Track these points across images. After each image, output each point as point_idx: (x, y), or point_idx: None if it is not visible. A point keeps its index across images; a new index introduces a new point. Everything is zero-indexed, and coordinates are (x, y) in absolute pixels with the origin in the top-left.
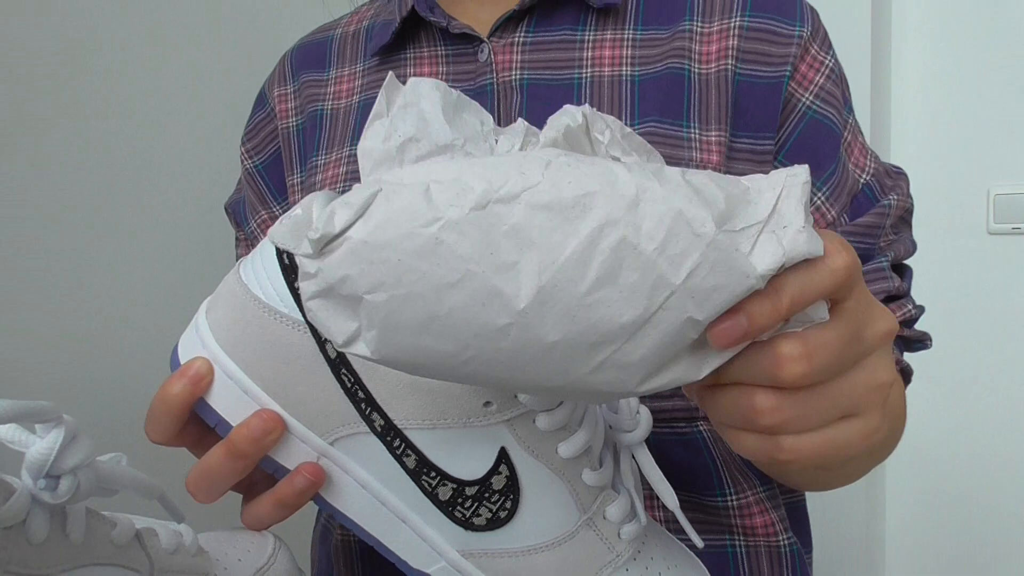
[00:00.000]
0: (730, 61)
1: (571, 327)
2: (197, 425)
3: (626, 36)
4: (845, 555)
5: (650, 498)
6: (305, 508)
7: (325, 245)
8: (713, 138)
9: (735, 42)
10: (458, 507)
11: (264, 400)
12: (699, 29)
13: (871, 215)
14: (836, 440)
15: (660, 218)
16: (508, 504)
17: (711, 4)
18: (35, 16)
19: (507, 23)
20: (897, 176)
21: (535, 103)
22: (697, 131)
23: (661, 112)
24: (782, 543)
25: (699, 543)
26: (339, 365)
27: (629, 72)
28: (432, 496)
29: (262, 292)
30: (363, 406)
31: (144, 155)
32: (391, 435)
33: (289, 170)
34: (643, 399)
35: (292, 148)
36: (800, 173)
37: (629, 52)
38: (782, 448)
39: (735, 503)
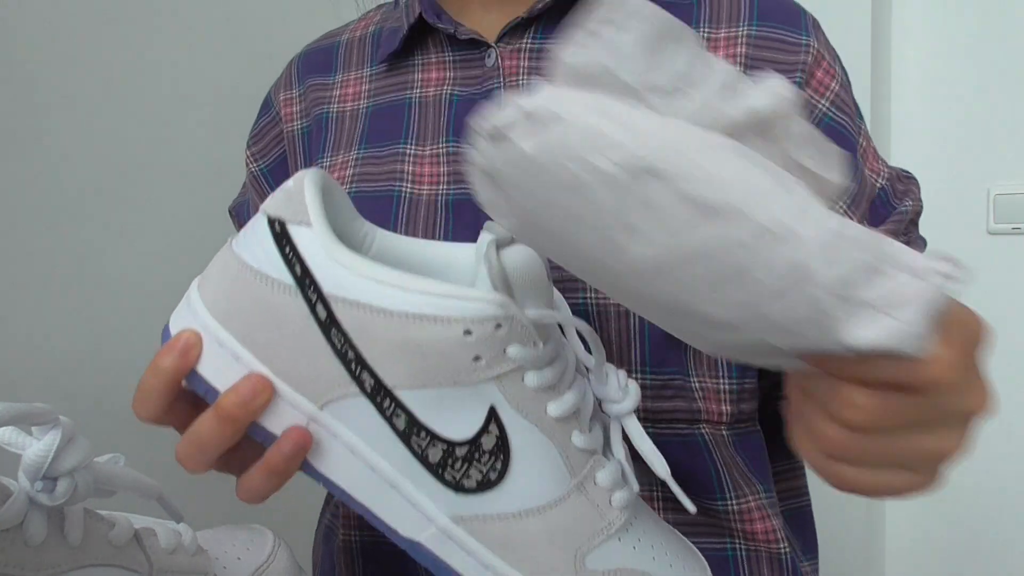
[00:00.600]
0: (739, 68)
1: (670, 298)
2: (187, 404)
3: None
4: (845, 556)
5: (651, 498)
6: (308, 508)
7: (497, 137)
8: None
9: (743, 50)
10: (448, 469)
11: (255, 366)
12: (706, 35)
13: (891, 222)
14: (886, 484)
15: (785, 266)
16: (498, 465)
17: (717, 13)
18: (36, 16)
19: (514, 30)
20: (908, 180)
21: None
22: None
23: None
24: (783, 551)
25: (691, 508)
26: (329, 326)
27: None
28: (422, 458)
29: (253, 260)
30: (353, 366)
31: (147, 157)
32: (381, 396)
33: (294, 172)
34: (648, 397)
35: (297, 151)
36: (947, 278)
37: None
38: (834, 473)
39: (736, 507)
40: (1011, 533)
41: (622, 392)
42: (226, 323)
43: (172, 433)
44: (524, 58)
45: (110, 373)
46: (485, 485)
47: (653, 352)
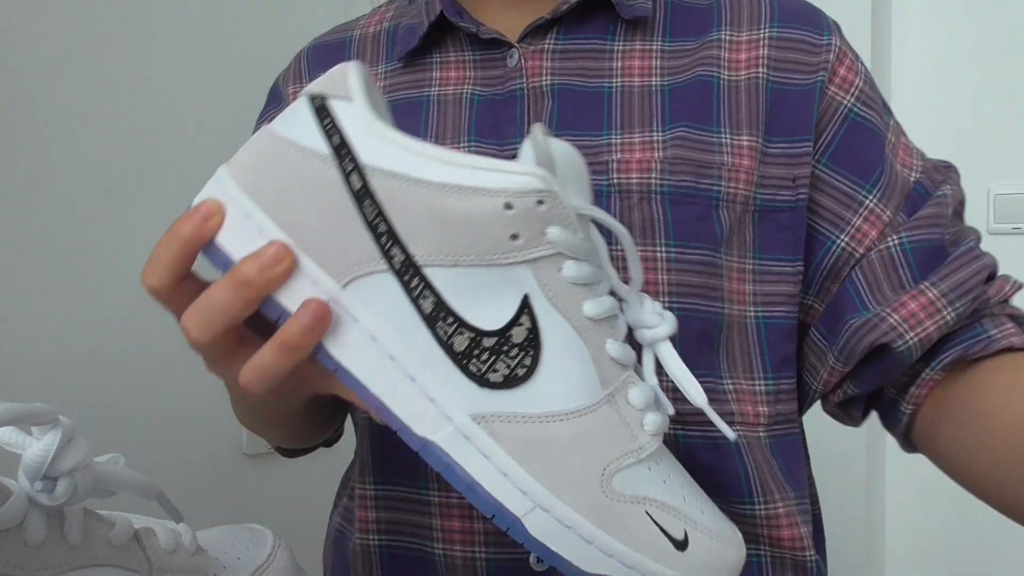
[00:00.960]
0: (761, 70)
1: None
2: (197, 285)
3: (655, 47)
4: (846, 556)
5: None
6: (309, 508)
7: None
8: (745, 143)
9: (766, 51)
10: (474, 360)
11: (279, 238)
12: (728, 38)
13: (930, 206)
14: None
15: None
16: (527, 361)
17: (739, 16)
18: (37, 16)
19: (536, 30)
20: (946, 170)
21: (566, 108)
22: (728, 136)
23: (691, 118)
24: (808, 558)
25: (731, 435)
26: (363, 197)
27: (659, 82)
28: (447, 346)
29: (288, 132)
30: (384, 240)
31: (148, 157)
32: (410, 273)
33: None
34: (677, 400)
35: None
36: None
37: (658, 63)
38: None
39: (763, 512)
40: (1012, 534)
41: (658, 317)
42: (252, 193)
43: (172, 433)
44: (547, 58)
45: (110, 373)
46: (512, 381)
47: (682, 354)
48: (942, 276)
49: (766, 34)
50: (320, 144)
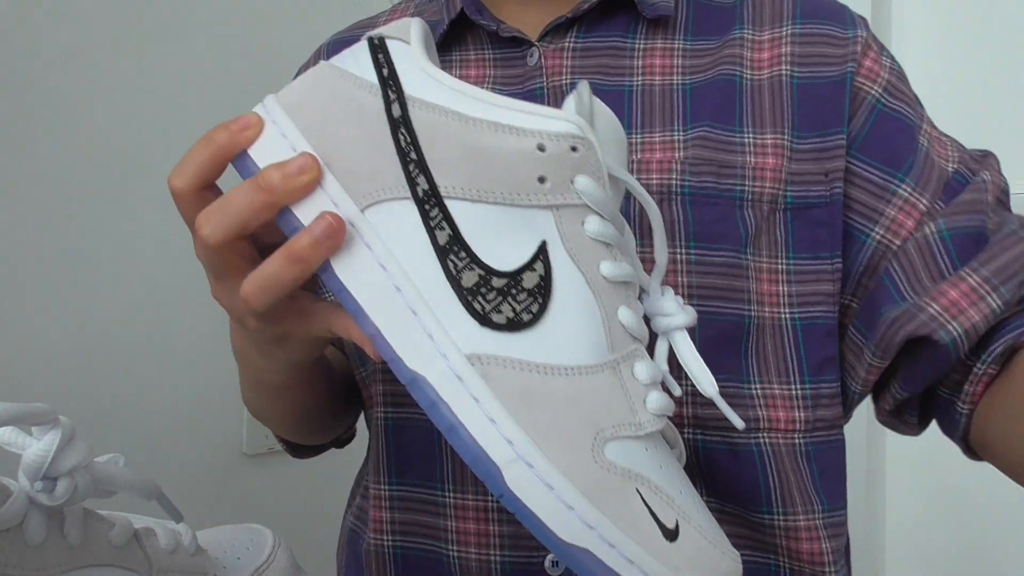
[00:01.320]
0: (785, 67)
1: None
2: (219, 196)
3: (676, 46)
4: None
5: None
6: (310, 508)
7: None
8: (768, 141)
9: (789, 48)
10: (479, 298)
11: (309, 154)
12: (750, 37)
13: (968, 192)
14: None
15: None
16: (534, 307)
17: (760, 14)
18: (37, 15)
19: (556, 29)
20: (984, 158)
21: None
22: (751, 135)
23: (713, 117)
24: (828, 572)
25: (739, 424)
26: (399, 124)
27: (680, 81)
28: (455, 280)
29: (341, 62)
30: (411, 168)
31: (147, 155)
32: (430, 203)
33: None
34: (698, 404)
35: None
36: None
37: (680, 62)
38: None
39: (782, 523)
40: (1012, 534)
41: (677, 307)
42: (292, 112)
43: (172, 433)
44: (567, 57)
45: (110, 373)
46: (515, 325)
47: (704, 358)
48: (984, 261)
49: (788, 31)
50: (370, 74)
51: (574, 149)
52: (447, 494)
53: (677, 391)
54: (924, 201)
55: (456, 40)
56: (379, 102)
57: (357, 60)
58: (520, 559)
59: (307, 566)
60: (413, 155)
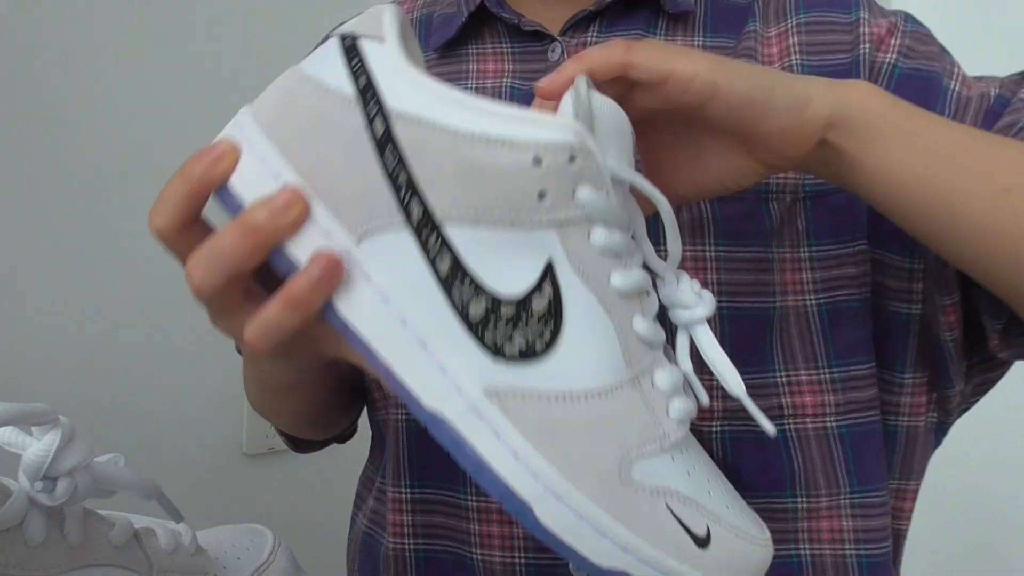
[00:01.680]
0: (794, 57)
1: None
2: (205, 232)
3: (696, 43)
4: None
5: None
6: (310, 508)
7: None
8: None
9: (796, 39)
10: (490, 329)
11: (295, 184)
12: (762, 32)
13: (1007, 115)
14: None
15: None
16: (547, 334)
17: (769, 11)
18: (38, 15)
19: (578, 23)
20: None
21: None
22: None
23: None
24: (848, 553)
25: (771, 430)
26: (384, 143)
27: None
28: (462, 313)
29: (314, 71)
30: (403, 192)
31: (147, 154)
32: (428, 230)
33: None
34: (714, 396)
35: None
36: None
37: None
38: None
39: (804, 506)
40: (1012, 534)
41: (696, 297)
42: (272, 134)
43: (172, 433)
44: None
45: (110, 373)
46: (529, 354)
47: (731, 354)
48: None
49: (793, 23)
50: (346, 85)
51: (572, 159)
52: (470, 497)
53: (705, 400)
54: None
55: (473, 33)
56: (360, 118)
57: (331, 66)
58: (545, 561)
59: (307, 566)
60: (402, 177)
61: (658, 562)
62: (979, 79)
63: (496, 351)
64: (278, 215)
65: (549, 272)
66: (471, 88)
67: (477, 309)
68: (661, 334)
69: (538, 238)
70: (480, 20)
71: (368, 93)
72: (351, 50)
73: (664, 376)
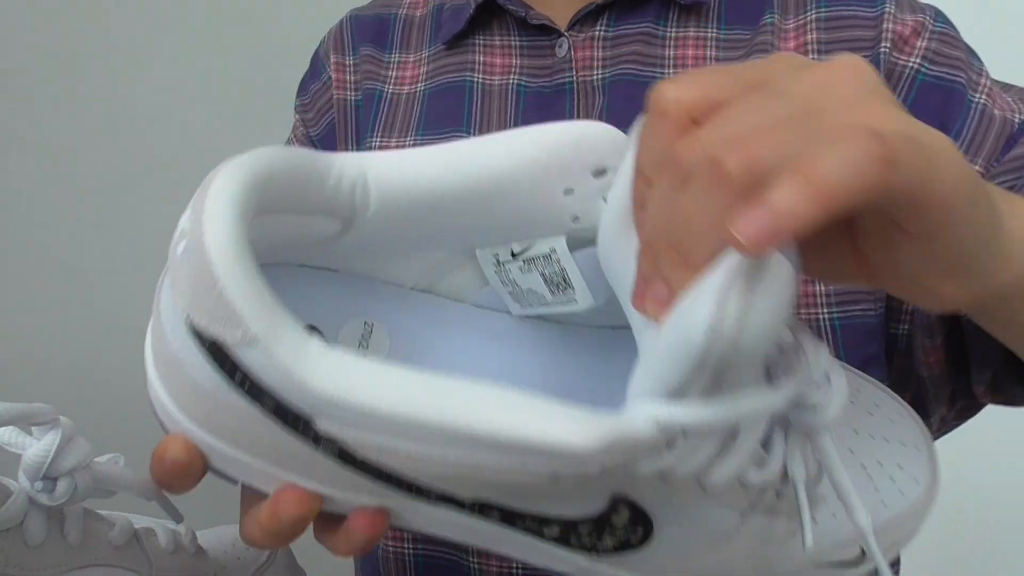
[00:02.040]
0: (812, 56)
1: None
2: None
3: (709, 35)
4: None
5: None
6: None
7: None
8: None
9: (814, 35)
10: (573, 538)
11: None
12: (779, 24)
13: (1020, 145)
14: None
15: None
16: (639, 532)
17: (785, 3)
18: (38, 15)
19: (586, 17)
20: None
21: (616, 103)
22: None
23: None
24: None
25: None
26: (364, 467)
27: None
28: (537, 535)
29: (207, 381)
30: (414, 488)
31: (147, 154)
32: (465, 506)
33: (343, 146)
34: None
35: (348, 123)
36: None
37: (713, 54)
38: None
39: None
40: (1013, 533)
41: (823, 392)
42: (218, 435)
43: None
44: (598, 48)
45: (110, 373)
46: (625, 546)
47: None
48: None
49: (812, 17)
50: (254, 410)
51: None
52: None
53: (810, 543)
54: (977, 165)
55: (481, 25)
56: (304, 446)
57: (216, 384)
58: (541, 571)
59: (307, 566)
60: (409, 487)
61: None
62: (1007, 88)
63: (590, 549)
64: (302, 519)
65: (622, 500)
66: (477, 83)
67: (551, 531)
68: (776, 467)
69: (597, 480)
70: (489, 12)
71: (289, 418)
72: (225, 363)
73: (783, 524)
